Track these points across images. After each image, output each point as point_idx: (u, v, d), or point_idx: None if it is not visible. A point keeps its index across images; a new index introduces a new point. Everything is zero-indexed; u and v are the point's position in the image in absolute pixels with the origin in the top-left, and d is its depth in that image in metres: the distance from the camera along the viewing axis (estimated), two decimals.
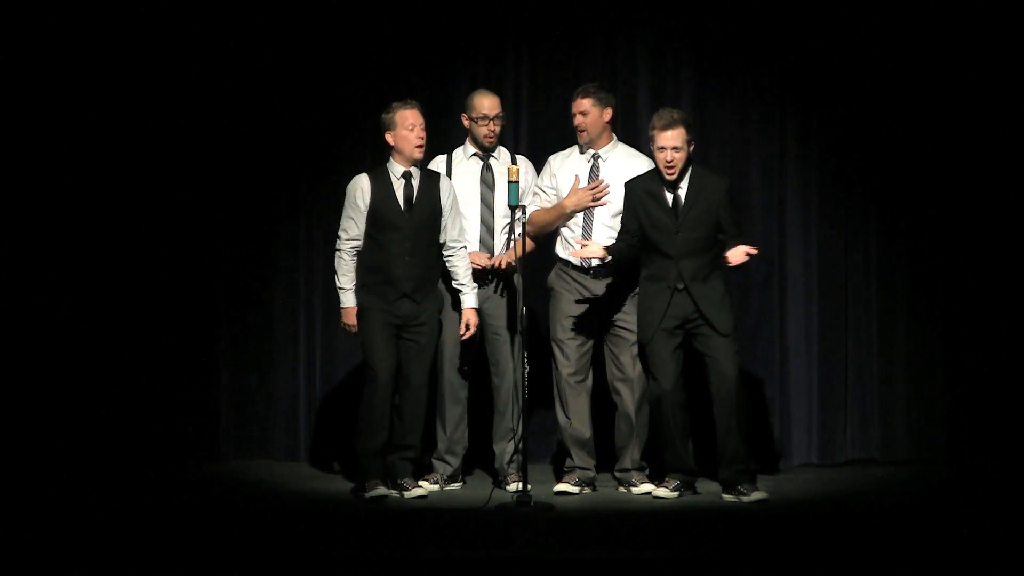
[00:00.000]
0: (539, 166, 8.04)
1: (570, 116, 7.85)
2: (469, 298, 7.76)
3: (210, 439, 8.79)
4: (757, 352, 8.61)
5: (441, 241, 7.70)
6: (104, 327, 8.65)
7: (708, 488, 7.72)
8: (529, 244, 7.80)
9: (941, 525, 6.99)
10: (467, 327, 7.74)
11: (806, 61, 8.60)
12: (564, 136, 8.15)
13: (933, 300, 8.62)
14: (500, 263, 7.82)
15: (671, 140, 7.46)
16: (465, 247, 7.79)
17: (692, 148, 7.52)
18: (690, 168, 7.55)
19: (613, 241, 7.64)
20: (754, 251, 7.42)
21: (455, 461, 7.95)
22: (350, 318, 7.65)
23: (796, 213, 8.67)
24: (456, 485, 7.95)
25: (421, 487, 7.68)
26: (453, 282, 7.76)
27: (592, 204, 7.69)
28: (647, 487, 7.72)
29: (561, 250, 7.87)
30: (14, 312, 8.59)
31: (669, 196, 7.53)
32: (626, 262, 7.65)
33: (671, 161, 7.47)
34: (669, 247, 7.51)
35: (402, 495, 7.59)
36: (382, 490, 7.55)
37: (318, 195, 8.74)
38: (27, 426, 8.51)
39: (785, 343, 8.67)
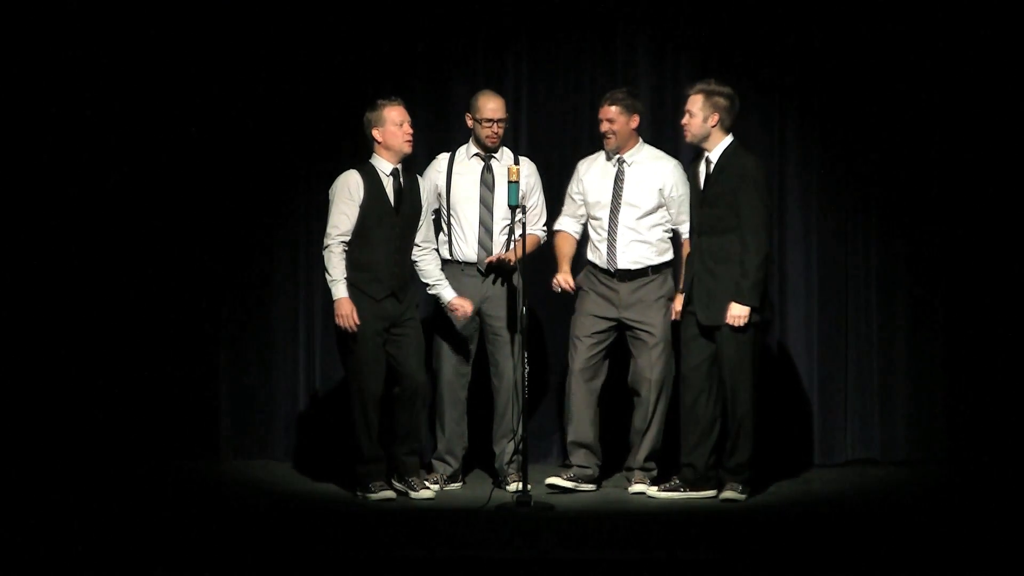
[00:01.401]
0: (538, 166, 8.05)
1: (596, 121, 7.85)
2: (447, 290, 7.74)
3: (210, 439, 8.78)
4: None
5: (416, 242, 7.72)
6: (104, 327, 8.65)
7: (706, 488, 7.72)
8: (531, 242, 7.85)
9: (941, 525, 7.00)
10: (463, 310, 7.70)
11: (806, 61, 8.60)
12: (564, 136, 8.17)
13: (933, 300, 8.61)
14: (499, 257, 7.80)
15: (687, 104, 7.59)
16: (436, 248, 7.82)
17: (715, 120, 7.53)
18: (725, 143, 7.58)
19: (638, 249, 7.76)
20: (741, 313, 7.44)
21: (455, 461, 7.94)
22: (345, 308, 7.54)
23: (796, 213, 8.67)
24: (456, 485, 7.95)
25: (428, 488, 7.67)
26: (427, 281, 7.74)
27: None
28: (640, 487, 7.73)
29: (589, 254, 7.90)
30: (14, 311, 8.58)
31: (703, 171, 7.58)
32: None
33: (683, 124, 7.59)
34: (695, 221, 7.56)
35: (408, 494, 7.59)
36: (389, 493, 7.57)
37: (318, 195, 8.70)
38: (27, 426, 8.51)
39: (785, 343, 8.67)
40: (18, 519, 7.08)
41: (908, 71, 8.54)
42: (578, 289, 7.87)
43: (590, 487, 7.82)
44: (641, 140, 7.89)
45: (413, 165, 7.88)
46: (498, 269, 7.86)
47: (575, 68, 8.71)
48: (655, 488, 7.66)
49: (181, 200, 8.72)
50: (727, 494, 7.52)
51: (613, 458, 7.98)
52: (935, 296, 8.61)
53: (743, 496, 7.52)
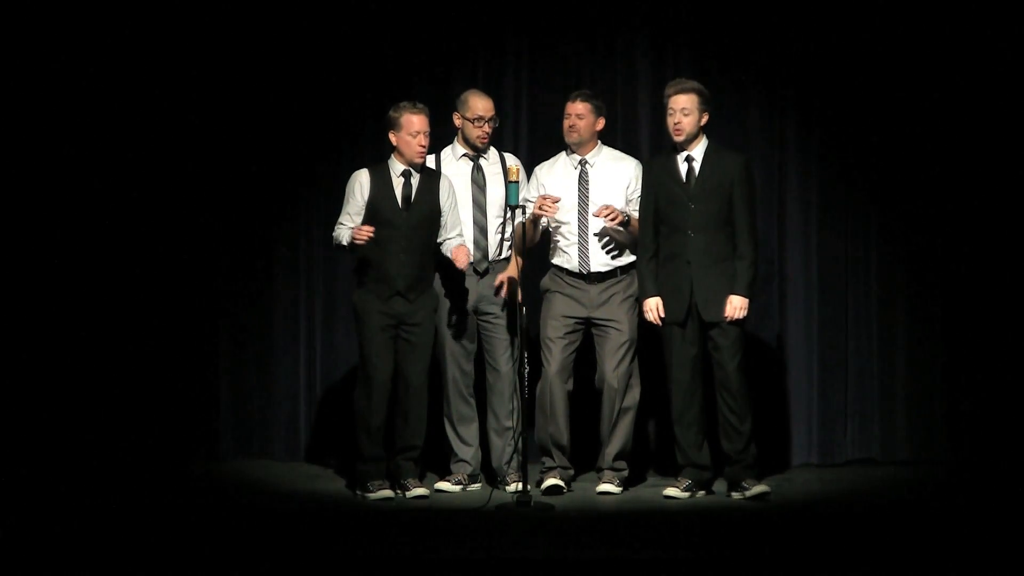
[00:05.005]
0: (538, 165, 8.07)
1: (562, 117, 7.84)
2: (455, 240, 7.67)
3: (210, 439, 8.79)
4: (757, 352, 8.60)
5: (439, 240, 7.70)
6: (104, 327, 8.65)
7: (717, 487, 7.72)
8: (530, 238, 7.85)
9: (941, 525, 7.00)
10: (462, 259, 7.57)
11: (806, 60, 8.60)
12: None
13: (933, 300, 8.61)
14: (504, 281, 7.79)
15: (680, 103, 7.55)
16: (462, 236, 7.76)
17: (705, 120, 7.56)
18: (706, 142, 7.59)
19: (609, 249, 7.74)
20: (742, 305, 7.51)
21: (474, 461, 7.93)
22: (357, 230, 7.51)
23: (796, 213, 8.67)
24: (476, 486, 7.92)
25: (422, 487, 7.68)
26: (443, 245, 7.66)
27: (541, 213, 7.70)
28: (607, 487, 7.73)
29: (556, 258, 7.87)
30: (14, 312, 8.58)
31: (684, 168, 7.57)
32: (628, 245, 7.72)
33: (678, 123, 7.55)
34: (684, 221, 7.54)
35: (404, 495, 7.60)
36: (387, 492, 7.57)
37: (318, 195, 8.73)
38: (27, 426, 8.51)
39: (785, 343, 8.67)
40: (19, 519, 7.08)
41: (909, 71, 8.54)
42: (544, 291, 7.87)
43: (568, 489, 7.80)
44: (600, 142, 7.88)
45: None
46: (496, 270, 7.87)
47: (575, 68, 8.71)
48: (675, 490, 7.64)
49: (181, 201, 8.72)
50: (756, 489, 7.51)
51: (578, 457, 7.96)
52: (935, 296, 8.61)
53: (766, 488, 7.53)
